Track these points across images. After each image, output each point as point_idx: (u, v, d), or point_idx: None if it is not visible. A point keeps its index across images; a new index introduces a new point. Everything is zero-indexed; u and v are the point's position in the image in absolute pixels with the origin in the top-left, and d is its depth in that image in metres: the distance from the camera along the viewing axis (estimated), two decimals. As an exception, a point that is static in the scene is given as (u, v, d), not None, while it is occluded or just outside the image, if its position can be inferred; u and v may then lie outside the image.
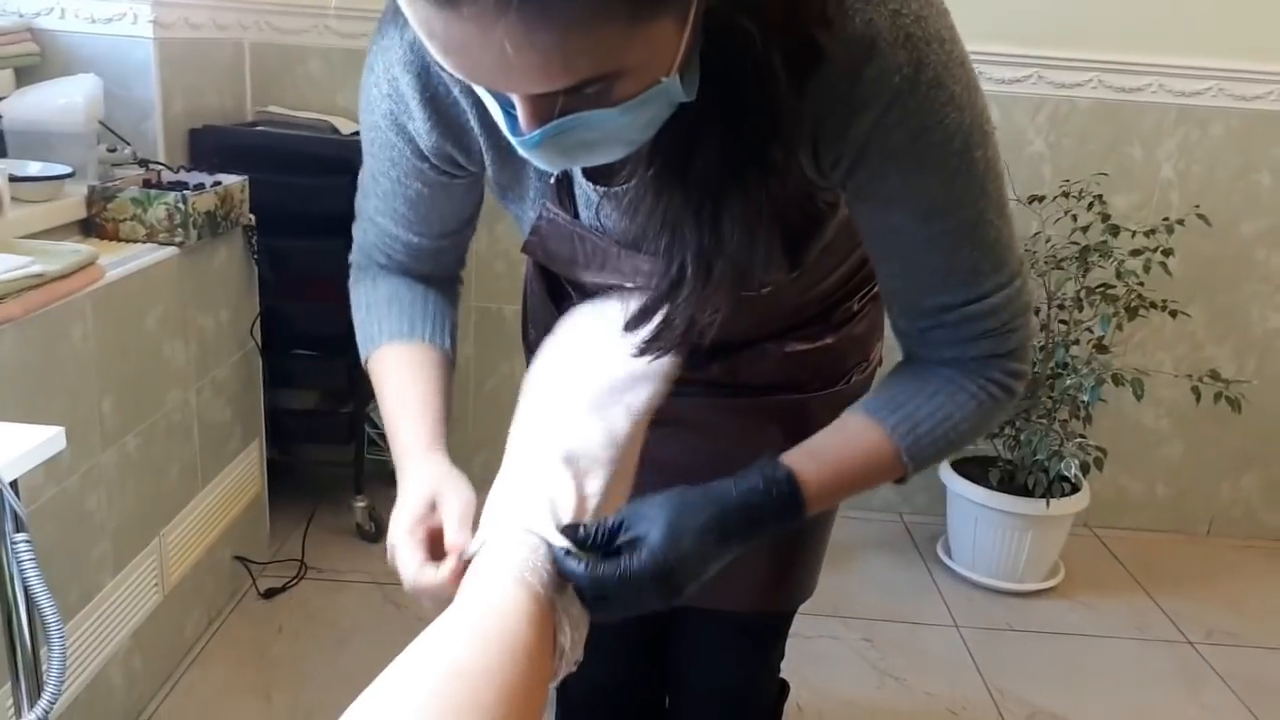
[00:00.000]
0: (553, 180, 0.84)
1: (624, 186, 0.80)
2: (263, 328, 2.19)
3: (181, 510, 1.91)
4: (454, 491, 0.79)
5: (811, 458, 0.80)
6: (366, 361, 0.97)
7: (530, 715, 0.62)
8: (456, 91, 0.80)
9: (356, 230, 0.99)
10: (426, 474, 0.83)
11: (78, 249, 1.52)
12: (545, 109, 0.61)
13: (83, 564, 1.59)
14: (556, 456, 0.74)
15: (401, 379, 0.93)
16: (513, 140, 0.65)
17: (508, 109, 0.63)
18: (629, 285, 0.87)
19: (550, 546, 0.68)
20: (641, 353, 0.81)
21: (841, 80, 0.70)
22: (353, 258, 1.01)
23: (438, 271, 1.00)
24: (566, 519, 0.70)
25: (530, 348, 1.17)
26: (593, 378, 0.80)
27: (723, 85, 0.66)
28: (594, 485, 0.73)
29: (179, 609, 1.95)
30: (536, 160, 0.67)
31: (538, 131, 0.62)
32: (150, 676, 1.87)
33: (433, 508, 0.80)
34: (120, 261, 1.66)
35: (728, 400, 1.04)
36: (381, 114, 0.84)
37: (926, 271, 0.80)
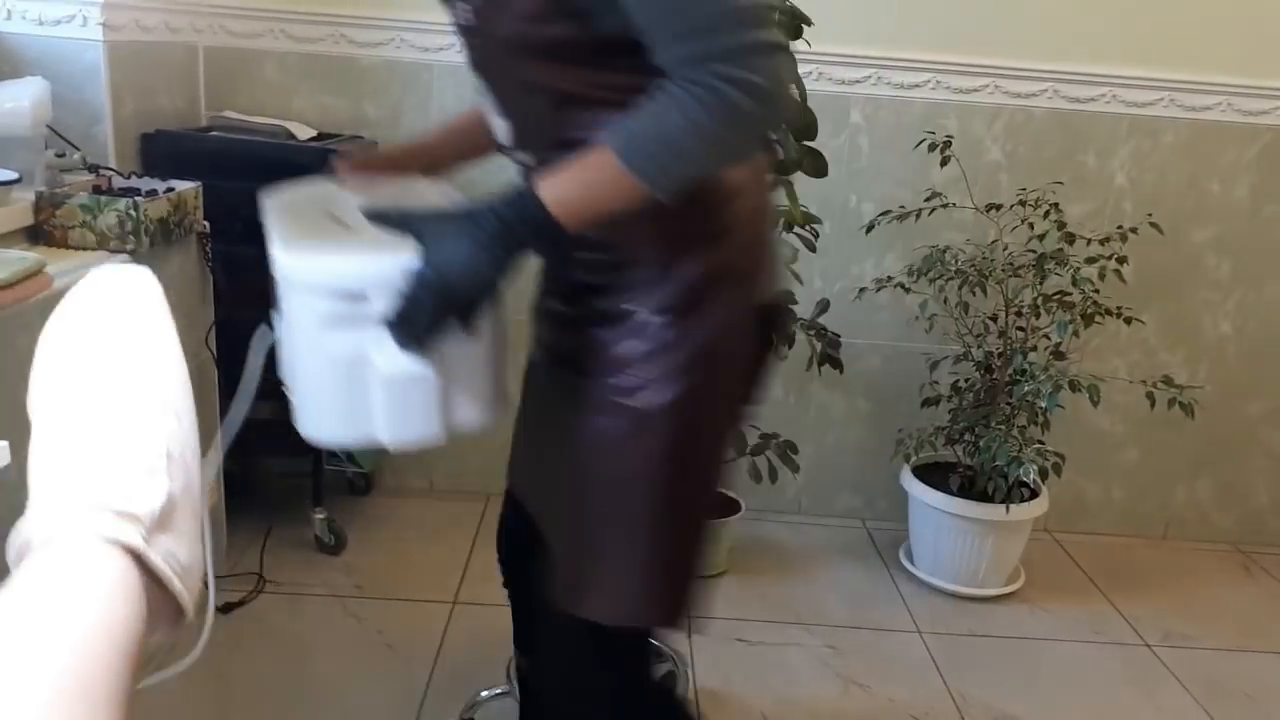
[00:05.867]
0: None
1: None
2: (218, 337, 2.15)
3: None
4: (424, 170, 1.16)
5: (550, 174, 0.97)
6: None
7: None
8: None
9: None
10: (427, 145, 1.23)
11: (24, 256, 1.48)
12: None
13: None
14: (117, 418, 0.62)
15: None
16: None
17: None
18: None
19: (117, 509, 0.55)
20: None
21: None
22: None
23: None
24: (128, 484, 0.57)
25: None
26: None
27: None
28: (161, 441, 0.61)
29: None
30: None
31: None
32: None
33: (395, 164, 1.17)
34: (69, 269, 1.62)
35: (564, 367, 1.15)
36: None
37: None
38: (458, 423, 1.06)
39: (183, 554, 0.57)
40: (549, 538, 1.19)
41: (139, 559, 0.53)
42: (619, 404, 1.08)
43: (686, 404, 1.08)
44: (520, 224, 0.94)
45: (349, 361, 1.01)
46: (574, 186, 0.95)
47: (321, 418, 1.07)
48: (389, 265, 0.96)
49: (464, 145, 1.29)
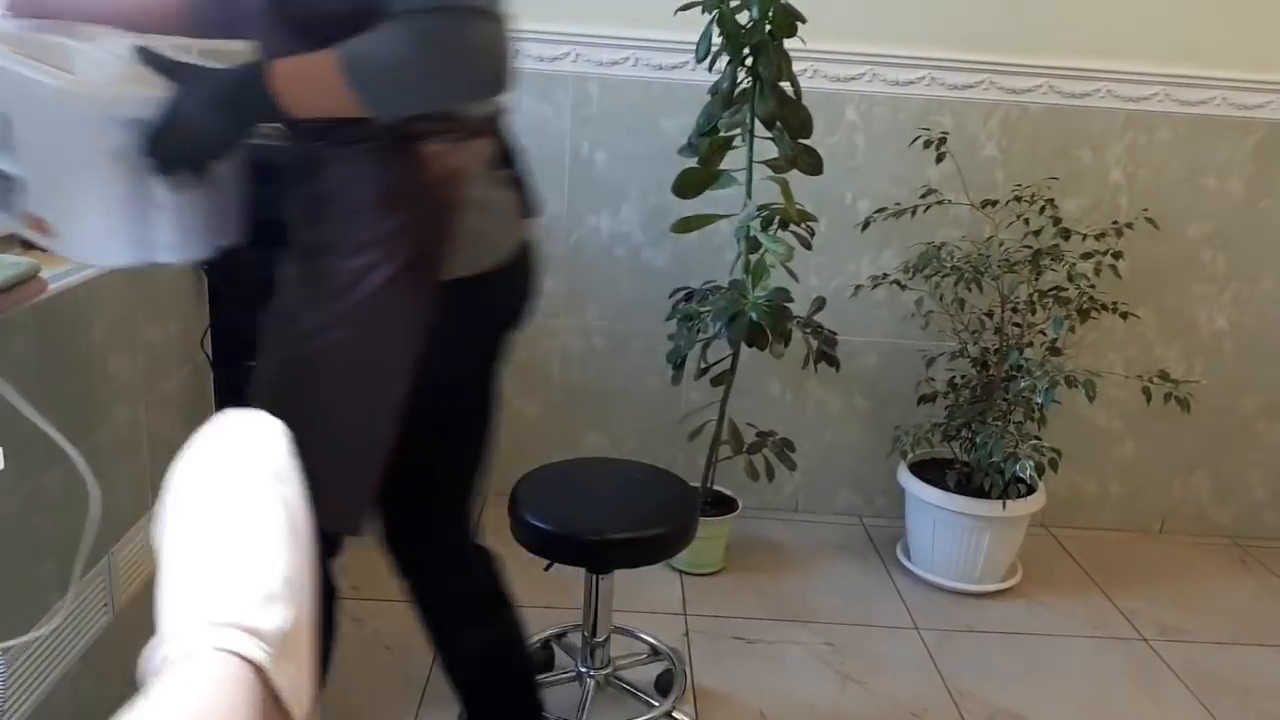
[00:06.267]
0: None
1: None
2: (213, 340, 2.14)
3: (132, 528, 1.87)
4: None
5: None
6: None
7: None
8: None
9: None
10: None
11: (18, 261, 1.47)
12: None
13: (28, 585, 1.55)
14: (237, 549, 0.68)
15: None
16: None
17: None
18: None
19: (243, 625, 0.61)
20: None
21: None
22: None
23: None
24: (253, 604, 0.64)
25: None
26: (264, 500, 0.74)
27: None
28: (279, 572, 0.67)
29: (130, 629, 1.91)
30: None
31: None
32: (101, 700, 1.82)
33: None
34: (64, 273, 1.61)
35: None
36: None
37: None
38: (220, 242, 1.29)
39: (298, 674, 0.62)
40: None
41: (260, 674, 0.58)
42: (290, 336, 1.27)
43: (341, 347, 1.24)
44: (248, 94, 1.13)
45: (133, 188, 1.15)
46: (297, 77, 1.12)
47: (102, 243, 1.19)
48: (159, 98, 1.13)
49: (131, 16, 1.38)
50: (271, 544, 0.66)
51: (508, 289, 1.39)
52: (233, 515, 0.69)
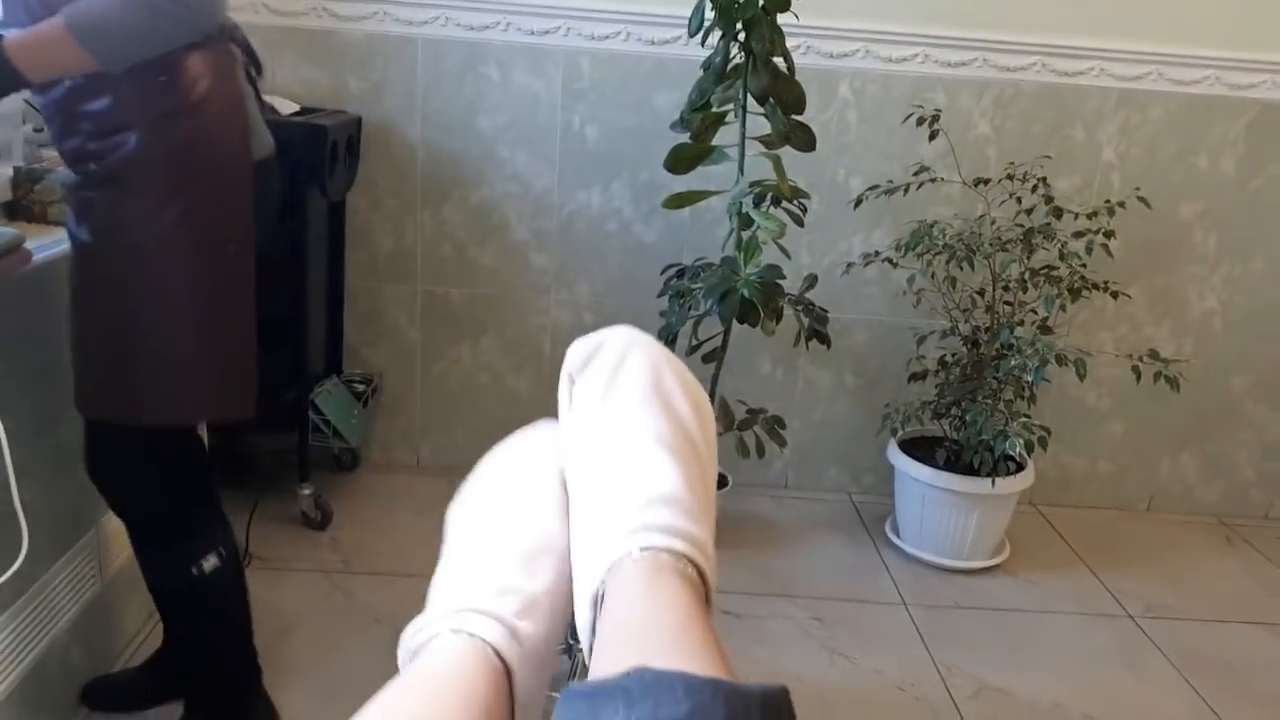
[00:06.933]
0: None
1: None
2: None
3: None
4: None
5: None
6: None
7: None
8: None
9: None
10: None
11: (3, 232, 1.46)
12: None
13: (17, 555, 1.54)
14: (510, 548, 0.75)
15: None
16: None
17: None
18: None
19: (504, 621, 0.67)
20: None
21: None
22: None
23: None
24: (515, 604, 0.71)
25: None
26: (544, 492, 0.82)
27: None
28: (543, 581, 0.74)
29: (119, 599, 1.91)
30: None
31: None
32: (90, 669, 1.82)
33: None
34: (49, 245, 1.60)
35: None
36: None
37: None
38: None
39: (534, 681, 0.67)
40: (74, 363, 1.49)
41: (504, 669, 0.63)
42: (110, 244, 1.38)
43: (165, 242, 1.37)
44: None
45: None
46: (30, 43, 1.26)
47: None
48: None
49: None
50: (546, 558, 0.71)
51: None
52: (520, 520, 0.74)
